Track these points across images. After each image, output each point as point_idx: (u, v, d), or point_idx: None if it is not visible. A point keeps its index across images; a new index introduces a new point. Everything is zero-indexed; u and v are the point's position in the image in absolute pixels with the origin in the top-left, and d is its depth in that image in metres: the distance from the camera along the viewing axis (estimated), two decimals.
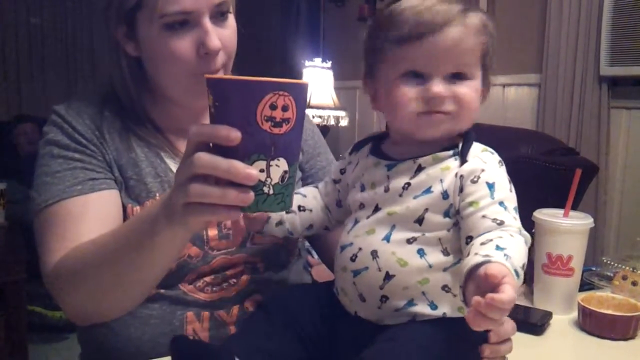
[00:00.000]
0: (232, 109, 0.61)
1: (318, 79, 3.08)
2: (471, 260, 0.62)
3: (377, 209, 0.78)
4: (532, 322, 1.00)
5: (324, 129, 3.37)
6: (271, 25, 4.93)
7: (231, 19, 0.93)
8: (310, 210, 0.89)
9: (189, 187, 0.64)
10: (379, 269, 0.74)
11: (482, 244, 0.66)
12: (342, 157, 0.90)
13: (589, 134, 2.49)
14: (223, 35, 0.90)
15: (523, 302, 1.11)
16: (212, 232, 0.95)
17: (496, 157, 0.76)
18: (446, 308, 0.74)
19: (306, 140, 1.13)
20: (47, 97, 4.72)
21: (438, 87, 0.73)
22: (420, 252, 0.74)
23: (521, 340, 0.96)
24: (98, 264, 0.82)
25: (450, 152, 0.76)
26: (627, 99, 2.47)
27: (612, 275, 1.18)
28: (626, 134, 2.49)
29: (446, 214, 0.74)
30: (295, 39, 4.62)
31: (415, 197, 0.75)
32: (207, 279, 0.95)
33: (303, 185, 1.07)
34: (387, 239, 0.75)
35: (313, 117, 3.05)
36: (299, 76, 3.19)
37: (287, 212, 0.87)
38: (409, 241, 0.74)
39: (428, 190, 0.74)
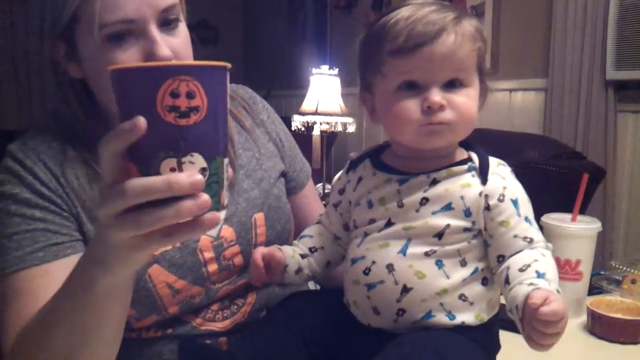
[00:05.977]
0: (131, 101, 0.53)
1: (325, 86, 3.08)
2: (521, 290, 0.66)
3: (390, 223, 0.76)
4: None
5: (332, 136, 3.36)
6: (278, 33, 4.97)
7: (182, 28, 0.82)
8: (322, 248, 0.87)
9: (138, 218, 0.53)
10: (395, 282, 0.74)
11: (521, 270, 0.69)
12: (338, 178, 0.88)
13: (596, 138, 2.49)
14: (174, 44, 0.79)
15: None
16: (212, 268, 0.89)
17: (509, 169, 0.77)
18: (464, 317, 0.74)
19: (282, 142, 1.05)
20: None
21: (436, 96, 0.72)
22: (439, 264, 0.73)
23: None
24: (46, 333, 0.71)
25: (465, 167, 0.75)
26: (633, 103, 2.47)
27: (620, 279, 1.18)
28: (633, 137, 2.48)
29: (467, 229, 0.74)
30: (302, 46, 4.65)
31: (434, 213, 0.74)
32: (214, 307, 0.91)
33: (289, 195, 1.04)
34: (403, 252, 0.74)
35: (321, 124, 3.05)
36: (307, 84, 3.19)
37: (302, 257, 0.85)
38: (427, 254, 0.74)
39: (448, 207, 0.74)
